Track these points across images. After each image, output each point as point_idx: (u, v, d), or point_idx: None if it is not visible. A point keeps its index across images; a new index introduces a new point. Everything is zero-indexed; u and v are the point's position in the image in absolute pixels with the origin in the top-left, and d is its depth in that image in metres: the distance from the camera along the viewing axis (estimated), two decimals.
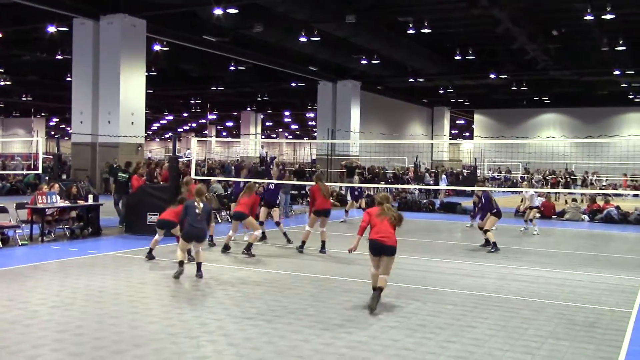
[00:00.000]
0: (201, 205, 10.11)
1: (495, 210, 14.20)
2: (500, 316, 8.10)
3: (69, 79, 29.70)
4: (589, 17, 24.61)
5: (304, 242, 13.03)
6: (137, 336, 6.79)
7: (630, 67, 34.69)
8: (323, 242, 13.11)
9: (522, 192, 18.93)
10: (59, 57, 31.98)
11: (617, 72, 35.85)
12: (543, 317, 8.12)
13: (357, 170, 30.11)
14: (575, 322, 7.89)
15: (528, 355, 6.52)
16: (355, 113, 42.21)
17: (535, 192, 18.37)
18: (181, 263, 9.94)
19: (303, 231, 13.39)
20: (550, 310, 8.47)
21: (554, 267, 12.02)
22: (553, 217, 22.58)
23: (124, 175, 17.30)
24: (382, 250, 8.42)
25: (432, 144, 50.20)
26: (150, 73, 33.87)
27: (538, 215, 18.60)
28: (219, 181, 20.63)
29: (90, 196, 15.14)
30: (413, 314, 8.10)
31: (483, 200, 14.68)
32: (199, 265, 10.11)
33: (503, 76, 38.61)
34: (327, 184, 15.00)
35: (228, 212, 18.90)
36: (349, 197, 21.39)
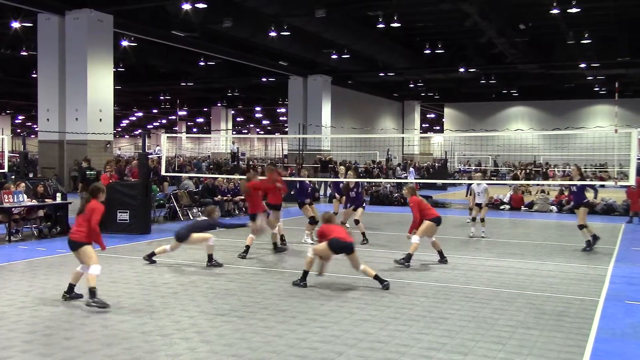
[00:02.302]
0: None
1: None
2: (471, 307, 8.19)
3: (34, 75, 29.15)
4: (555, 11, 24.97)
5: (274, 243, 12.75)
6: (109, 335, 6.72)
7: (595, 60, 35.28)
8: (282, 236, 13.00)
9: (473, 184, 16.01)
10: (24, 53, 31.35)
11: (582, 65, 36.45)
12: (513, 307, 8.24)
13: (341, 166, 29.93)
14: (544, 312, 8.02)
15: (499, 344, 6.61)
16: (326, 108, 42.23)
17: (487, 184, 15.92)
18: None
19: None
20: (520, 301, 8.60)
21: (523, 258, 12.20)
22: (522, 208, 22.91)
23: (92, 172, 17.09)
24: (345, 248, 9.07)
25: (402, 137, 50.42)
26: (119, 69, 33.42)
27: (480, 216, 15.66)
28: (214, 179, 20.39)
29: (59, 194, 14.91)
30: (386, 306, 8.15)
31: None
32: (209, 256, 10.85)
33: (472, 70, 38.97)
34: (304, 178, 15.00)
35: (200, 209, 18.80)
36: (327, 193, 19.61)
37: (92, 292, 7.77)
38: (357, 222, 13.94)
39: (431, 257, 12.10)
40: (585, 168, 41.47)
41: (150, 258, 11.04)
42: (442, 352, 6.35)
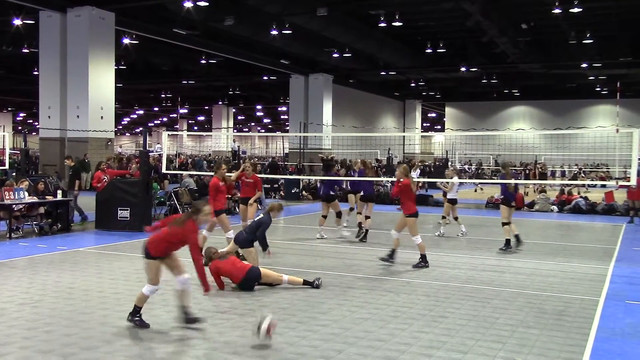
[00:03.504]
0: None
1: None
2: (472, 306, 8.18)
3: (35, 72, 29.15)
4: (557, 11, 24.95)
5: None
6: (108, 332, 6.72)
7: (597, 60, 35.26)
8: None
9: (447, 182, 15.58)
10: (25, 50, 31.38)
11: (584, 65, 36.42)
12: (513, 306, 8.23)
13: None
14: (544, 311, 8.01)
15: (499, 343, 6.60)
16: (327, 106, 42.22)
17: (459, 182, 15.46)
18: None
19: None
20: (520, 300, 8.59)
21: (523, 257, 12.18)
22: (523, 208, 22.88)
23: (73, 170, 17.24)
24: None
25: (403, 136, 50.42)
26: (120, 67, 33.44)
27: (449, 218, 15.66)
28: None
29: (59, 192, 14.92)
30: (386, 305, 8.15)
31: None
32: None
33: (473, 69, 38.94)
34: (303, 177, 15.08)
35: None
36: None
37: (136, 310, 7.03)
38: (367, 217, 14.19)
39: (431, 257, 12.10)
40: (586, 168, 41.56)
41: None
42: (442, 350, 6.34)
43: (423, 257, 10.96)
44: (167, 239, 6.87)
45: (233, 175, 12.57)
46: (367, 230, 14.03)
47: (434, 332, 6.96)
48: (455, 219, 15.45)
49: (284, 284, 8.92)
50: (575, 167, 41.91)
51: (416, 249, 11.07)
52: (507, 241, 12.93)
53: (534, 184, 28.98)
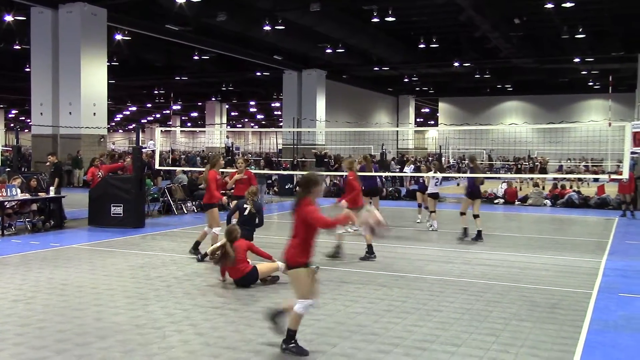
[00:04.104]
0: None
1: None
2: (465, 300, 8.21)
3: (27, 69, 29.02)
4: (549, 6, 25.01)
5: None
6: (102, 328, 6.70)
7: (589, 55, 35.35)
8: None
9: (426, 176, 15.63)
10: (17, 47, 31.19)
11: (577, 60, 36.51)
12: (507, 299, 8.26)
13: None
14: (537, 304, 8.04)
15: (492, 336, 6.62)
16: (320, 102, 42.19)
17: (434, 176, 15.42)
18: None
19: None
20: (513, 293, 8.62)
21: (517, 251, 12.23)
22: (516, 202, 22.96)
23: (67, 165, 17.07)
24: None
25: (397, 131, 50.43)
26: (112, 63, 33.28)
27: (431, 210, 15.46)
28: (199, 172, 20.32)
29: (52, 188, 14.85)
30: (380, 299, 8.16)
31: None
32: None
33: (466, 64, 38.98)
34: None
35: (194, 202, 18.77)
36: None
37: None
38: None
39: (425, 251, 12.13)
40: (577, 162, 41.70)
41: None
42: (436, 344, 6.36)
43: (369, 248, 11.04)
44: (294, 234, 5.95)
45: (230, 182, 12.34)
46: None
47: (428, 326, 6.98)
48: (432, 212, 15.33)
49: (280, 271, 8.64)
50: (571, 161, 42.10)
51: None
52: (465, 230, 13.59)
53: (520, 178, 29.33)
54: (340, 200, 11.45)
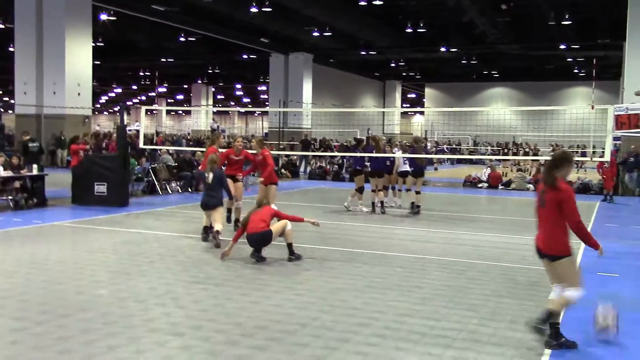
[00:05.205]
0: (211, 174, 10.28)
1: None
2: (447, 277, 8.29)
3: (11, 49, 28.65)
4: None
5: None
6: (84, 301, 6.71)
7: (575, 42, 35.47)
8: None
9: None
10: (1, 26, 30.74)
11: (563, 47, 36.62)
12: (487, 277, 8.36)
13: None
14: (518, 282, 8.14)
15: (472, 312, 6.71)
16: (307, 86, 42.04)
17: (403, 157, 15.66)
18: (205, 229, 10.49)
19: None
20: (494, 272, 8.72)
21: (500, 232, 12.34)
22: (500, 186, 23.12)
23: (34, 145, 17.05)
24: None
25: (383, 113, 50.41)
26: (98, 44, 32.91)
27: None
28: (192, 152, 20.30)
29: (35, 166, 14.76)
30: (361, 276, 8.22)
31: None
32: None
33: (453, 50, 38.97)
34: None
35: (178, 182, 18.74)
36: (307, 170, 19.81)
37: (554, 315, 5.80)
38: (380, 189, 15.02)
39: (408, 231, 12.21)
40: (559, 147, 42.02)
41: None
42: (416, 318, 6.43)
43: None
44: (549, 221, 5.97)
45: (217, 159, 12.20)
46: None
47: (409, 301, 7.05)
48: (399, 190, 16.02)
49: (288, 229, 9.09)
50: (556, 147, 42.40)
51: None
52: (412, 204, 14.74)
53: (504, 159, 29.66)
54: (244, 175, 12.22)
